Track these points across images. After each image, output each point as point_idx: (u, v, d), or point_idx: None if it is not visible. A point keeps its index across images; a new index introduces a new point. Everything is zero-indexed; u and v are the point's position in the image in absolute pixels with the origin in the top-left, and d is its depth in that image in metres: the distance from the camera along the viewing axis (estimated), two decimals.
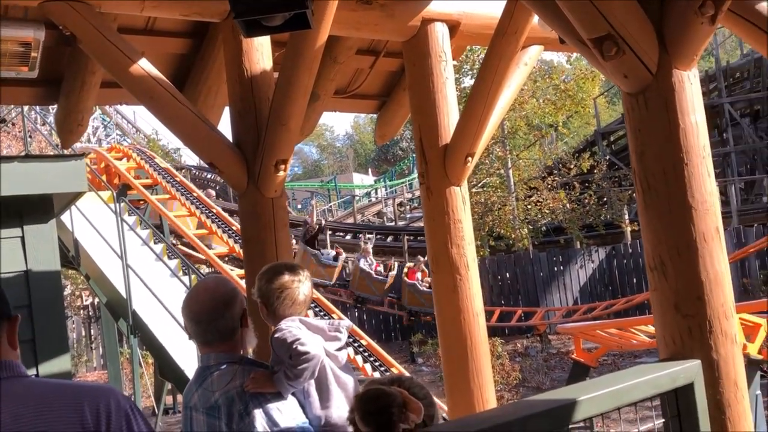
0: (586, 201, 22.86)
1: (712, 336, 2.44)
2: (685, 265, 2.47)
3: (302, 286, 2.61)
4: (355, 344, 10.09)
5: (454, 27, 5.13)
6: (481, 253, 23.94)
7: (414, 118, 5.15)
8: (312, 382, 2.51)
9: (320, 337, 2.56)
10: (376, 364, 9.86)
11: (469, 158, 5.01)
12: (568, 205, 22.78)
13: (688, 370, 2.35)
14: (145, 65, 4.00)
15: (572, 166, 23.41)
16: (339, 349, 2.62)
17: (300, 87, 4.13)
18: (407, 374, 10.29)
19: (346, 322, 2.68)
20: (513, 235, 22.86)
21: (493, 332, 17.45)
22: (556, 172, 24.23)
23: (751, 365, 7.84)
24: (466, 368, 4.97)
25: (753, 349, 7.84)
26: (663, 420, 2.41)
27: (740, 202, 23.37)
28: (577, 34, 2.57)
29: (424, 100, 5.01)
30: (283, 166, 4.34)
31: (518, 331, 20.19)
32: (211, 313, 2.54)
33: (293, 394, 2.52)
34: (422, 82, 5.00)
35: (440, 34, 5.04)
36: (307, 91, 4.21)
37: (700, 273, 2.45)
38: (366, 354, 10.20)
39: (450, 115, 5.04)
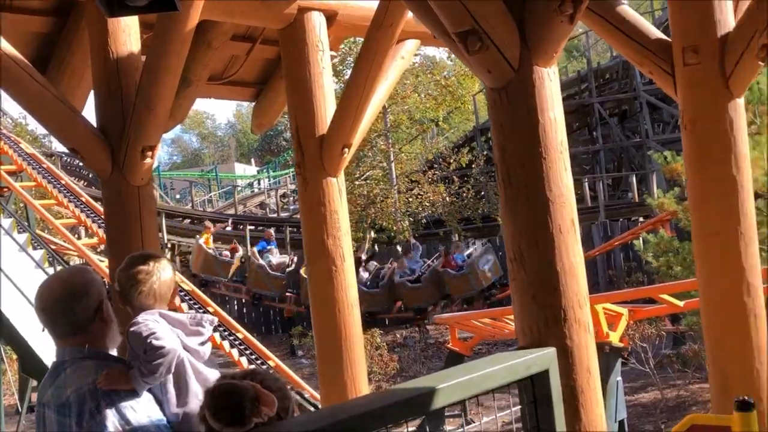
0: (465, 195, 23.43)
1: (567, 324, 2.53)
2: (542, 256, 2.55)
3: (161, 276, 2.51)
4: (231, 337, 9.92)
5: (331, 17, 5.11)
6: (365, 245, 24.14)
7: (290, 107, 5.10)
8: (170, 378, 2.42)
9: (180, 331, 2.48)
10: (253, 357, 9.74)
11: (346, 149, 5.01)
12: (447, 198, 23.27)
13: (543, 358, 2.43)
14: (2, 44, 3.75)
15: (452, 161, 23.93)
16: (202, 344, 2.55)
17: (168, 71, 4.00)
18: (286, 366, 10.25)
19: (209, 316, 2.61)
20: (395, 228, 23.15)
21: (373, 323, 17.62)
22: (436, 166, 24.69)
23: (613, 352, 8.28)
24: (340, 359, 4.98)
25: (615, 338, 8.27)
26: (520, 406, 2.48)
27: (607, 197, 24.59)
28: (444, 28, 2.59)
29: (301, 90, 4.96)
30: (150, 153, 4.18)
31: (399, 321, 20.46)
32: (61, 304, 2.41)
33: (151, 390, 2.43)
34: (299, 71, 4.95)
35: (317, 23, 5.00)
36: (176, 76, 4.08)
37: (556, 264, 2.54)
38: (242, 347, 10.06)
39: (327, 106, 5.02)
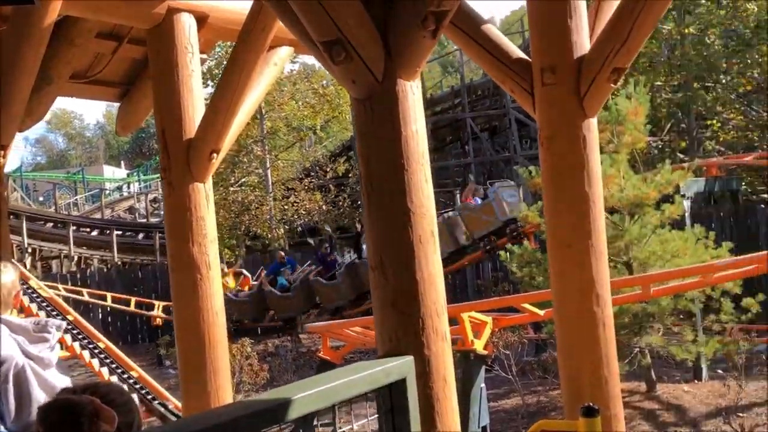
0: (341, 203, 23.51)
1: (425, 333, 2.58)
2: (403, 265, 2.59)
3: (0, 279, 2.37)
4: (92, 347, 9.50)
5: (202, 19, 5.01)
6: (237, 252, 23.74)
7: (156, 109, 4.96)
8: (10, 387, 2.28)
9: (23, 338, 2.34)
10: (113, 366, 9.36)
11: (215, 154, 4.92)
12: (323, 206, 23.28)
13: (401, 366, 2.46)
14: None
15: (329, 169, 23.98)
16: (49, 350, 2.42)
17: (24, 68, 3.80)
18: (151, 377, 9.90)
19: (56, 321, 2.48)
20: (269, 235, 22.91)
21: (245, 332, 17.31)
22: (313, 174, 24.66)
23: (477, 360, 8.52)
24: (204, 370, 4.86)
25: (479, 345, 8.51)
26: (377, 415, 2.50)
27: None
28: (311, 37, 2.60)
29: (168, 92, 4.84)
30: (2, 153, 3.95)
31: (272, 330, 20.23)
32: None
33: None
34: (167, 73, 4.82)
35: (187, 25, 4.89)
36: (32, 73, 3.88)
37: (415, 273, 2.58)
38: (103, 357, 9.65)
39: (195, 109, 4.91)
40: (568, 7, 3.50)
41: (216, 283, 4.97)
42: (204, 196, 4.93)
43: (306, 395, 2.17)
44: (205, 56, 5.73)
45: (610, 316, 3.58)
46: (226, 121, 4.80)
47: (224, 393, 4.92)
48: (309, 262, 19.58)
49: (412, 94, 2.61)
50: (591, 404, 2.67)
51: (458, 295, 18.92)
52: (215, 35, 5.44)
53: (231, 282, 18.71)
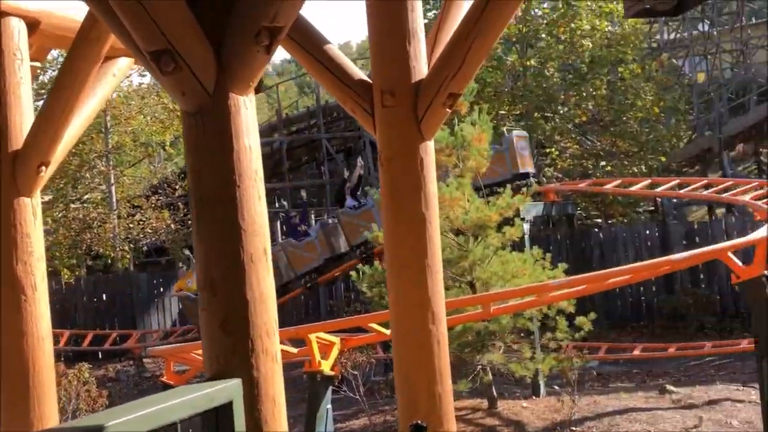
0: (190, 222, 22.82)
1: (254, 354, 2.52)
2: (233, 284, 2.52)
3: None
4: None
5: (33, 25, 4.73)
6: (77, 273, 22.50)
7: None
8: None
9: None
10: None
11: (44, 167, 4.64)
12: (172, 225, 22.53)
13: (228, 389, 2.39)
14: None
15: (178, 187, 23.26)
16: None
17: None
18: None
19: None
20: (113, 255, 21.89)
21: (83, 357, 16.40)
22: (161, 191, 23.84)
23: (324, 381, 8.48)
24: (27, 398, 4.54)
25: (326, 366, 8.48)
26: None
27: None
28: (139, 46, 2.49)
29: None
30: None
31: (113, 355, 19.28)
32: None
33: None
34: None
35: (16, 30, 4.61)
36: None
37: (246, 293, 2.52)
38: None
39: (24, 119, 4.62)
40: (407, 32, 3.58)
41: (43, 305, 4.66)
42: (31, 211, 4.63)
43: (122, 421, 2.06)
44: (38, 64, 5.41)
45: (444, 334, 3.66)
46: (57, 132, 4.54)
47: (49, 422, 4.61)
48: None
49: (245, 109, 2.57)
50: (419, 422, 2.70)
51: (310, 316, 18.87)
52: (48, 42, 5.15)
53: (194, 283, 17.68)
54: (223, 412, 2.39)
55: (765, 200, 11.23)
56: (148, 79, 25.49)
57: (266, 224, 2.62)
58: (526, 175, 14.74)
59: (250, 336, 2.51)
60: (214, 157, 2.52)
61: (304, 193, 20.78)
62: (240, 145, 2.53)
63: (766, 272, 8.23)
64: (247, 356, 2.50)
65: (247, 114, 2.57)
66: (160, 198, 23.06)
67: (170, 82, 2.47)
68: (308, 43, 3.79)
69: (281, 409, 2.59)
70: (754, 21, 33.99)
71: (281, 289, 16.40)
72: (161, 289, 21.37)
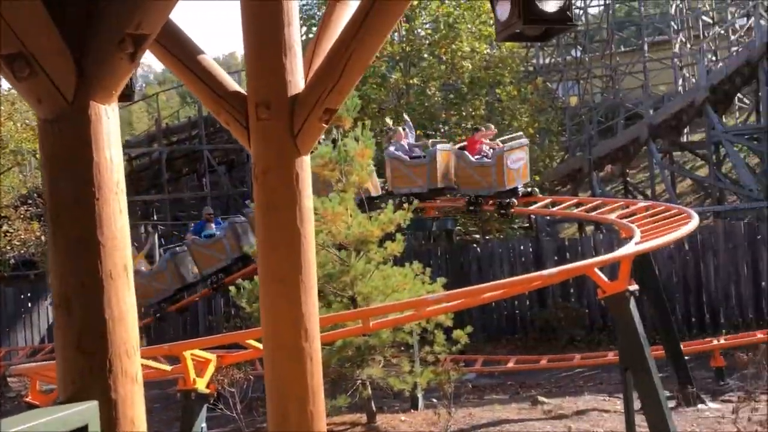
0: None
1: (113, 375, 2.40)
2: (90, 302, 2.40)
3: None
4: None
5: None
6: None
7: None
8: None
9: None
10: None
11: None
12: (42, 237, 21.38)
13: (83, 413, 2.26)
14: None
15: None
16: None
17: None
18: None
19: None
20: None
21: None
22: (31, 201, 22.62)
23: (199, 399, 8.25)
24: None
25: (201, 384, 8.25)
26: None
27: None
28: None
29: None
30: None
31: None
32: None
33: None
34: None
35: None
36: None
37: (104, 311, 2.41)
38: None
39: None
40: (283, 45, 3.55)
41: None
42: None
43: None
44: None
45: (317, 351, 3.63)
46: None
47: None
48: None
49: (107, 118, 2.46)
50: None
51: (188, 332, 18.34)
52: None
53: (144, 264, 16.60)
54: None
55: (630, 219, 11.85)
56: None
57: (127, 239, 2.51)
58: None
59: (108, 356, 2.40)
60: (72, 167, 2.40)
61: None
62: (100, 155, 2.42)
63: (629, 287, 8.69)
64: (104, 377, 2.39)
65: (110, 123, 2.46)
66: (30, 208, 21.88)
67: (25, 88, 2.34)
68: (181, 52, 3.69)
69: (140, 431, 2.48)
70: (623, 49, 36.07)
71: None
72: (29, 305, 20.26)
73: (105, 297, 2.41)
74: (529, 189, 15.33)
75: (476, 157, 14.75)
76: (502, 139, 15.36)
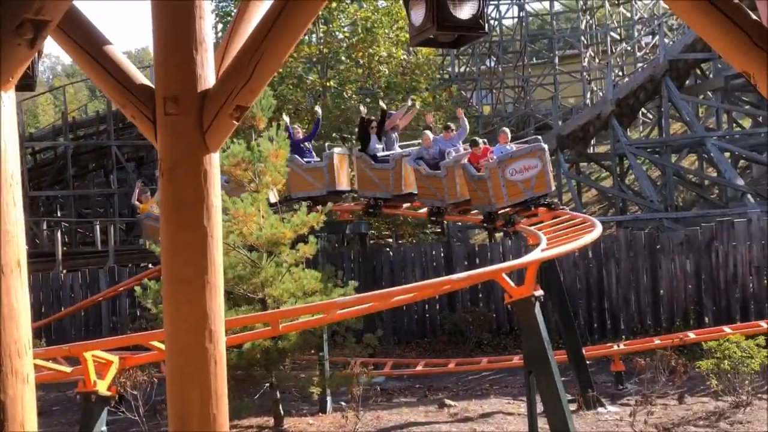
0: None
1: (2, 375, 2.29)
2: None
3: None
4: None
5: None
6: None
7: None
8: None
9: None
10: None
11: None
12: None
13: None
14: None
15: None
16: None
17: None
18: None
19: None
20: None
21: None
22: None
23: (99, 401, 7.98)
24: None
25: (102, 386, 7.99)
26: None
27: (119, 242, 24.21)
28: None
29: None
30: None
31: None
32: None
33: None
34: None
35: None
36: None
37: None
38: None
39: None
40: (193, 40, 3.47)
41: None
42: None
43: None
44: None
45: (222, 353, 3.56)
46: None
47: None
48: None
49: (2, 106, 2.34)
50: None
51: (91, 333, 17.71)
52: None
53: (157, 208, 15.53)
54: None
55: (536, 226, 12.14)
56: None
57: (22, 233, 2.40)
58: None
59: None
60: None
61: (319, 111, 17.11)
62: None
63: (535, 293, 8.91)
64: None
65: (5, 111, 2.35)
66: None
67: None
68: (87, 42, 3.56)
69: None
70: (535, 61, 37.08)
71: None
72: None
73: None
74: (548, 201, 12.91)
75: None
76: (517, 143, 13.62)
